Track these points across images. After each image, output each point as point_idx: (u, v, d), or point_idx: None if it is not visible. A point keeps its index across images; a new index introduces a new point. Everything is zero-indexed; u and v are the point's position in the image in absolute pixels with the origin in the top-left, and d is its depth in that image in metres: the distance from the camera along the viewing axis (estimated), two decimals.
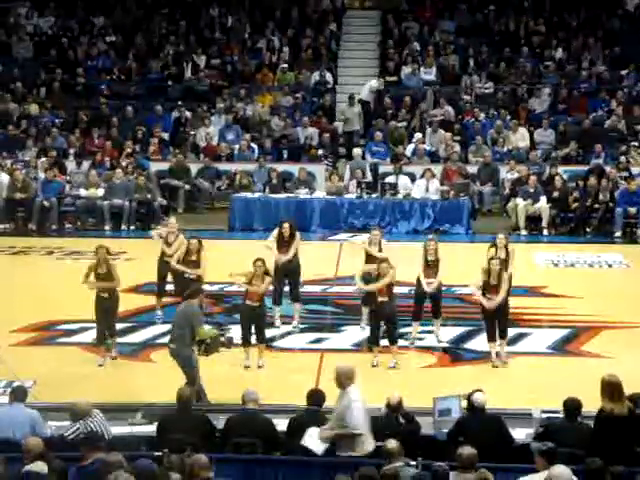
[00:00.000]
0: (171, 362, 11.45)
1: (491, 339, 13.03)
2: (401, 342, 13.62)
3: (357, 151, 24.03)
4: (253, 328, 12.95)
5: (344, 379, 9.30)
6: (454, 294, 15.83)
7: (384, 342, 13.06)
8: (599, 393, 9.19)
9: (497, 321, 12.97)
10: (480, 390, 9.72)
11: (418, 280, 13.92)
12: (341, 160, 24.99)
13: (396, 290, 14.71)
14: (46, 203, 22.04)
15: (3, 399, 10.74)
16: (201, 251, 14.18)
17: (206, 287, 15.91)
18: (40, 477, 7.87)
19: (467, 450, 8.20)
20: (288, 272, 14.56)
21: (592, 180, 22.09)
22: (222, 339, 11.90)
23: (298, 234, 14.85)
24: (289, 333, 14.38)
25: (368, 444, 9.15)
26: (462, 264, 19.42)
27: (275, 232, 14.84)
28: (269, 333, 13.60)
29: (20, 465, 8.09)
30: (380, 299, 12.92)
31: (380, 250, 14.38)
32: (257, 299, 12.93)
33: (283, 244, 14.63)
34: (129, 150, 24.00)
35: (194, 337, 11.39)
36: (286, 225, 14.78)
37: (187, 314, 11.58)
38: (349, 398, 9.18)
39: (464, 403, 9.94)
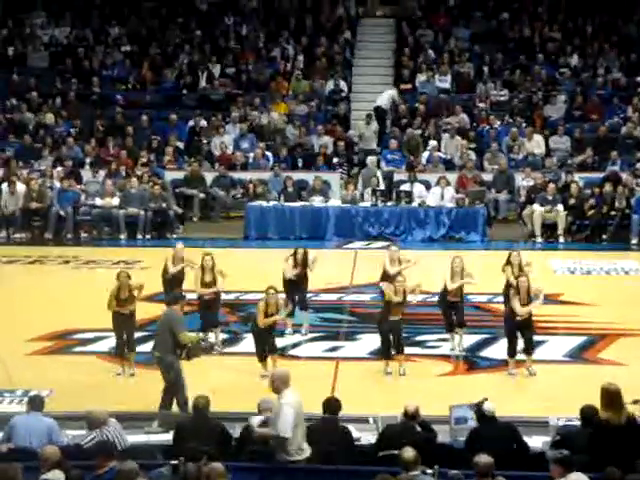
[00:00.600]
0: (187, 371, 11.44)
1: (511, 355, 12.99)
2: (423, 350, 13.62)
3: (372, 159, 24.02)
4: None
5: (279, 383, 9.30)
6: (470, 302, 15.78)
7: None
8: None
9: (523, 335, 12.92)
10: (487, 399, 9.70)
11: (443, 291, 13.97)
12: (356, 168, 24.97)
13: (412, 298, 14.73)
14: (62, 212, 22.13)
15: (21, 408, 10.77)
16: (215, 267, 14.14)
17: (222, 295, 15.96)
18: None
19: (484, 458, 8.17)
20: (297, 283, 14.59)
21: (608, 187, 22.04)
22: (203, 344, 11.98)
23: (311, 256, 14.81)
24: (300, 342, 14.37)
25: (302, 450, 9.12)
26: (478, 272, 19.43)
27: (291, 261, 14.79)
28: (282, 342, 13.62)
29: (37, 474, 8.10)
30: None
31: (400, 263, 14.41)
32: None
33: (296, 266, 14.63)
34: (144, 159, 24.08)
35: (177, 343, 11.41)
36: (301, 251, 14.81)
37: (169, 320, 11.62)
38: (281, 402, 9.19)
39: (472, 413, 9.90)
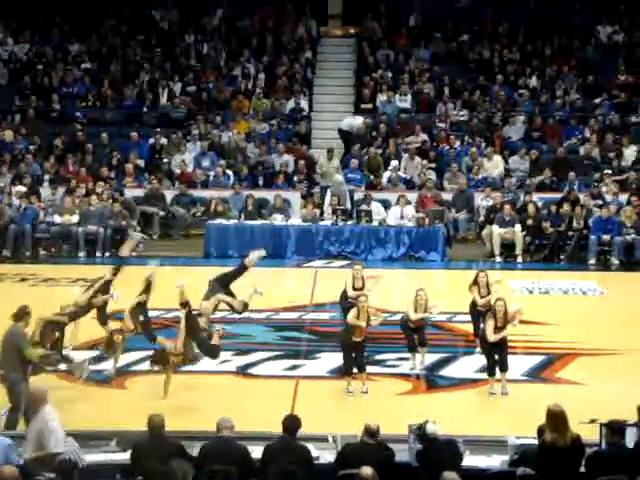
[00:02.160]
0: (146, 389, 11.38)
1: (491, 373, 13.03)
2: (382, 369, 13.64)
3: (338, 178, 24.02)
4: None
5: (38, 402, 9.31)
6: (430, 321, 15.80)
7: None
8: (573, 421, 9.20)
9: (497, 354, 12.97)
10: (430, 421, 9.73)
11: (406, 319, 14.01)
12: (316, 187, 25.00)
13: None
14: (20, 230, 21.96)
15: None
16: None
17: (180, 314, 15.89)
18: None
19: (451, 476, 8.19)
20: None
21: (566, 207, 22.24)
22: (54, 357, 12.05)
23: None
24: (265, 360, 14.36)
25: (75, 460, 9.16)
26: (438, 291, 19.51)
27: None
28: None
29: None
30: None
31: (363, 285, 14.42)
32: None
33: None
34: (104, 176, 23.99)
35: (23, 359, 11.32)
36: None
37: (13, 337, 11.54)
38: (44, 419, 9.18)
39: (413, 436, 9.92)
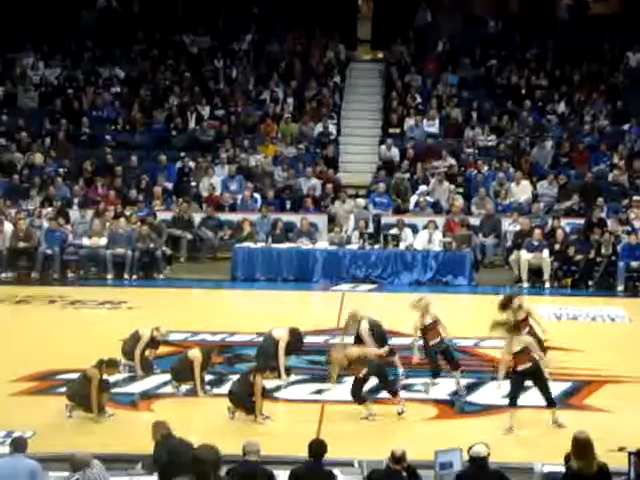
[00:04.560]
0: (172, 412, 11.42)
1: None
2: (409, 394, 13.61)
3: (360, 202, 24.10)
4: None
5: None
6: (456, 346, 15.76)
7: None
8: (601, 448, 9.14)
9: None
10: (483, 443, 9.65)
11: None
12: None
13: (398, 341, 14.74)
14: (49, 252, 22.11)
15: (3, 449, 10.69)
16: None
17: (207, 337, 15.95)
18: None
19: None
20: None
21: (594, 233, 22.15)
22: None
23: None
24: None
25: None
26: (464, 316, 19.45)
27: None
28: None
29: None
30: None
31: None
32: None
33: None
34: (133, 199, 24.14)
35: None
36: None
37: None
38: None
39: (465, 456, 9.87)
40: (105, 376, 12.64)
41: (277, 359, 14.07)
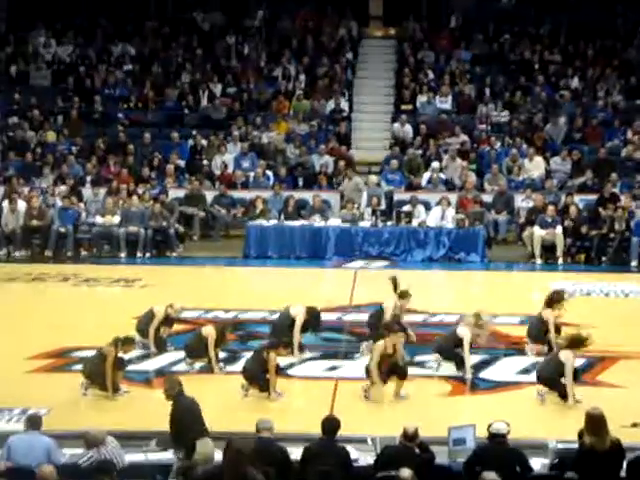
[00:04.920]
0: (186, 389, 11.43)
1: None
2: (422, 371, 13.62)
3: (373, 179, 24.07)
4: None
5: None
6: (459, 323, 15.74)
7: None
8: (614, 424, 9.14)
9: None
10: (504, 420, 9.67)
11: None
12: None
13: (412, 318, 14.75)
14: (62, 230, 22.16)
15: (19, 426, 10.76)
16: None
17: (220, 314, 15.99)
18: None
19: (491, 476, 8.16)
20: None
21: (607, 209, 22.09)
22: None
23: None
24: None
25: None
26: (477, 293, 19.47)
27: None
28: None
29: None
30: None
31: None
32: None
33: None
34: (145, 178, 24.17)
35: None
36: None
37: None
38: None
39: (478, 432, 9.88)
40: (120, 354, 12.69)
41: (291, 335, 14.10)
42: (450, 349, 13.57)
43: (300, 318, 14.27)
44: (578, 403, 12.19)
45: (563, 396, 12.33)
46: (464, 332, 13.40)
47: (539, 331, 14.31)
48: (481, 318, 13.56)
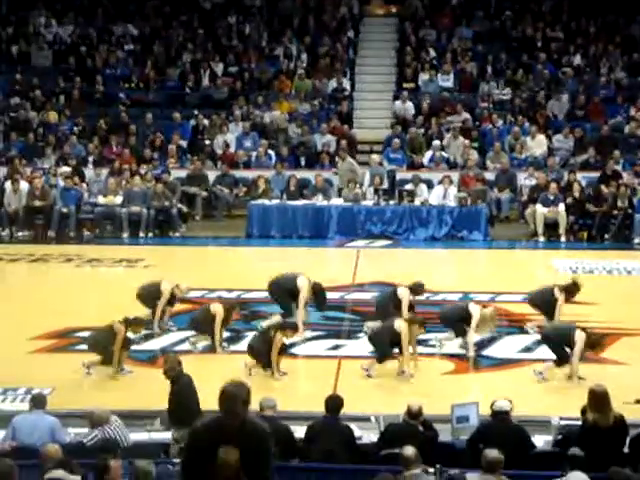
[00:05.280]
0: (189, 369, 11.45)
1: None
2: (425, 349, 13.66)
3: (375, 158, 24.04)
4: None
5: None
6: (472, 301, 15.76)
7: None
8: (617, 401, 9.16)
9: None
10: (507, 398, 9.69)
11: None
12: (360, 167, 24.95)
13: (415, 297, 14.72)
14: (65, 210, 22.17)
15: (23, 406, 10.79)
16: None
17: (224, 294, 16.00)
18: None
19: (493, 453, 8.18)
20: None
21: (610, 186, 22.06)
22: None
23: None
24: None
25: None
26: (480, 271, 19.46)
27: None
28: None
29: (40, 472, 8.11)
30: None
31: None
32: None
33: None
34: (147, 158, 24.14)
35: None
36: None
37: None
38: None
39: (481, 410, 9.91)
40: (129, 334, 12.71)
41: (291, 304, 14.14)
42: (454, 319, 13.59)
43: (304, 292, 14.21)
44: (582, 380, 12.20)
45: (560, 363, 12.34)
46: (475, 310, 13.39)
47: (544, 304, 14.30)
48: (495, 321, 13.58)
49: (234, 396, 6.15)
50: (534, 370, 12.62)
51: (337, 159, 24.20)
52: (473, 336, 13.46)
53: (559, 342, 12.46)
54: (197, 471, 6.12)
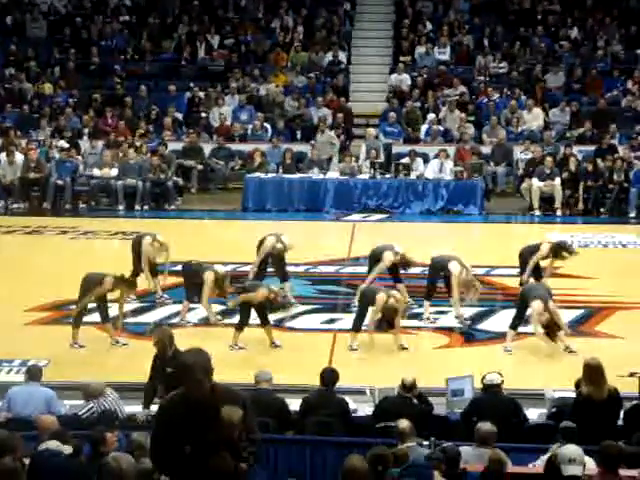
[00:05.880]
0: (183, 342, 11.46)
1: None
2: (415, 322, 13.67)
3: (371, 131, 23.97)
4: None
5: None
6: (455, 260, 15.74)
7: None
8: (611, 374, 9.18)
9: None
10: (496, 371, 9.73)
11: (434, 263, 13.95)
12: (354, 140, 24.93)
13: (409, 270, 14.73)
14: (60, 183, 22.12)
15: (19, 378, 10.81)
16: None
17: (219, 267, 15.97)
18: (56, 455, 7.89)
19: (486, 426, 8.22)
20: None
21: (606, 160, 22.04)
22: None
23: None
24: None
25: None
26: (475, 244, 19.47)
27: None
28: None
29: (36, 443, 8.13)
30: None
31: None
32: None
33: None
34: (142, 130, 24.06)
35: None
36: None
37: None
38: None
39: (477, 383, 9.94)
40: (117, 293, 12.70)
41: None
42: (435, 274, 13.78)
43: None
44: (572, 353, 12.24)
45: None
46: (455, 268, 13.41)
47: (530, 255, 14.42)
48: (476, 287, 13.58)
49: (190, 366, 6.01)
50: (504, 347, 12.67)
51: (317, 132, 24.05)
52: (458, 295, 13.49)
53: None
54: (167, 448, 6.01)
